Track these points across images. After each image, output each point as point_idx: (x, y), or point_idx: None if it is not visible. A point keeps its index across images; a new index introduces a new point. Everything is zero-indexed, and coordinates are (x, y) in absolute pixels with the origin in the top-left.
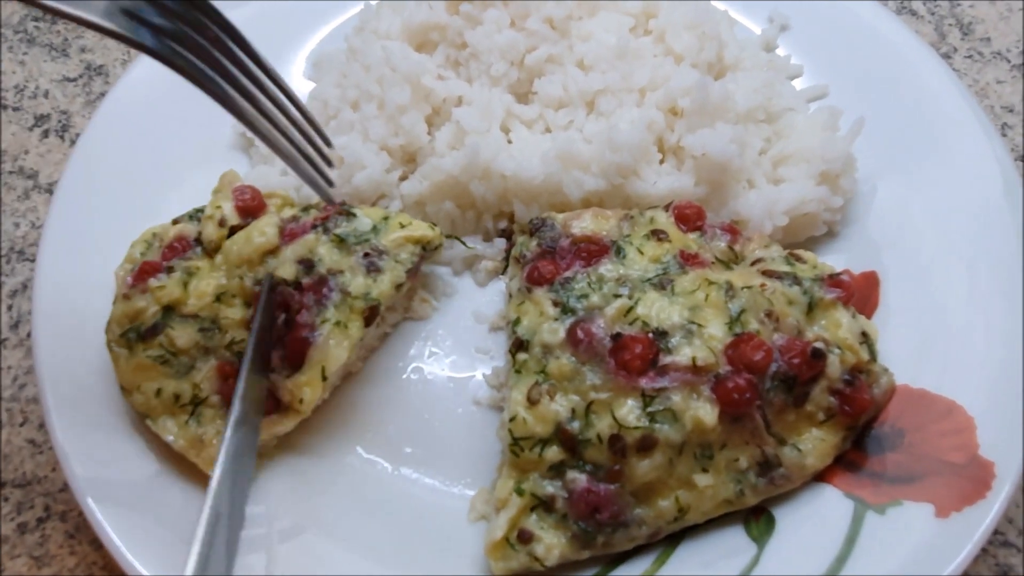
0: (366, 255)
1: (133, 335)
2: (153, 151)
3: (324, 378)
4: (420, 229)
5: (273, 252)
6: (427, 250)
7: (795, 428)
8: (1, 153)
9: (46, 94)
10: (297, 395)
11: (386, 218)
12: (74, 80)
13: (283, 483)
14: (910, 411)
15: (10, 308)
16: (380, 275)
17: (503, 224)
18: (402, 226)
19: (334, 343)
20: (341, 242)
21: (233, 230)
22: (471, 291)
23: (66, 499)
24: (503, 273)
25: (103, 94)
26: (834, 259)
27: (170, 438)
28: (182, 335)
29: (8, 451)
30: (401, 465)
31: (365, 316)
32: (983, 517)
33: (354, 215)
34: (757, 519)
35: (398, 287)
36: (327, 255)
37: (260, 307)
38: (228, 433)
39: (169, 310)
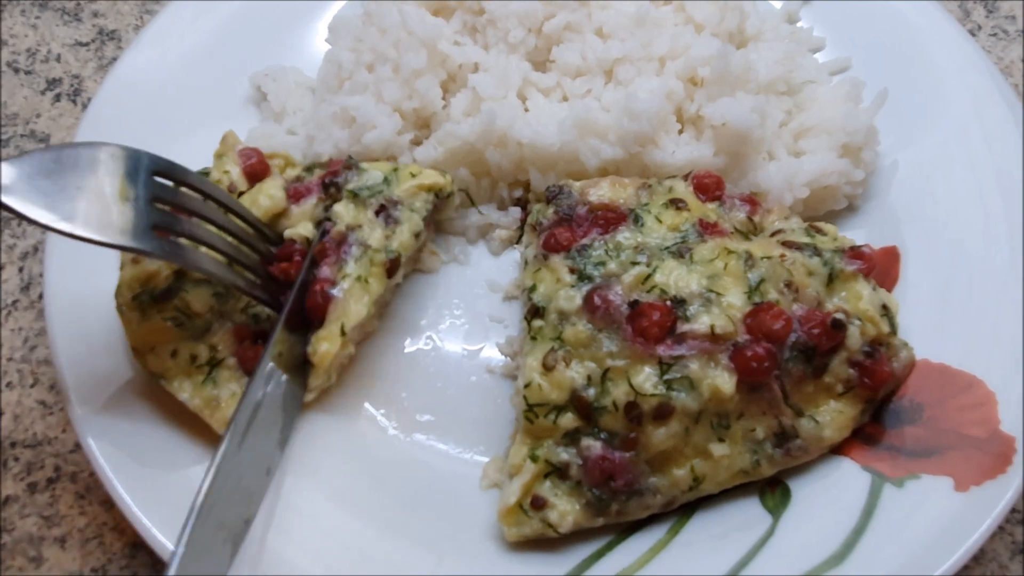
0: (381, 207)
1: (146, 298)
2: (164, 114)
3: (343, 333)
4: (431, 177)
5: (282, 214)
6: (440, 198)
7: (813, 400)
8: (13, 116)
9: (58, 58)
10: (314, 350)
11: (395, 169)
12: (86, 44)
13: (295, 448)
14: (929, 385)
15: (20, 271)
16: (398, 226)
17: (518, 193)
18: (412, 175)
19: (354, 299)
20: (355, 196)
21: (240, 196)
22: (485, 260)
23: (76, 460)
24: (517, 242)
25: (115, 59)
26: (854, 234)
27: (185, 397)
28: (197, 299)
29: (18, 412)
30: (414, 431)
31: (387, 268)
32: (1004, 491)
33: (362, 169)
34: (772, 490)
35: (416, 236)
36: (343, 212)
37: (305, 267)
38: (251, 386)
39: (182, 274)
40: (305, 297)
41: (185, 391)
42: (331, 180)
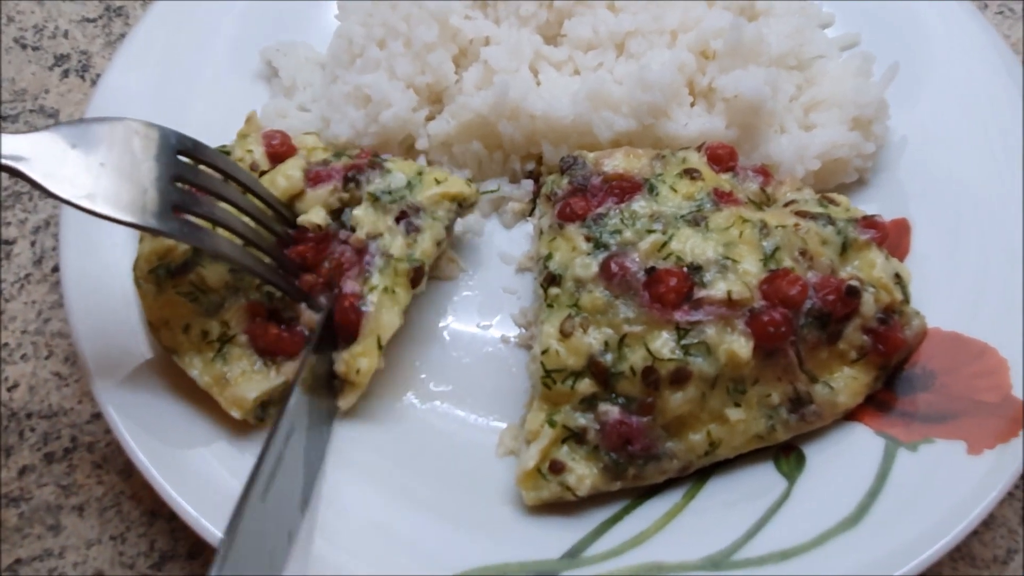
0: (403, 213)
1: (163, 272)
2: (174, 90)
3: (380, 347)
4: (456, 185)
5: (298, 196)
6: (463, 207)
7: (827, 366)
8: (22, 92)
9: (65, 34)
10: (353, 367)
11: (420, 173)
12: (93, 21)
13: None
14: (942, 353)
15: (33, 244)
16: (420, 235)
17: (530, 166)
18: (437, 182)
19: (385, 311)
20: (376, 200)
21: (261, 175)
22: (498, 232)
23: (93, 431)
24: (530, 215)
25: (123, 35)
26: (864, 207)
27: (195, 373)
28: (213, 274)
29: (34, 383)
30: (430, 400)
31: (411, 278)
32: (1016, 454)
33: (387, 169)
34: (787, 456)
35: (438, 244)
36: (364, 217)
37: (327, 307)
38: (287, 407)
39: (199, 248)
40: (331, 317)
41: (196, 367)
42: (354, 175)
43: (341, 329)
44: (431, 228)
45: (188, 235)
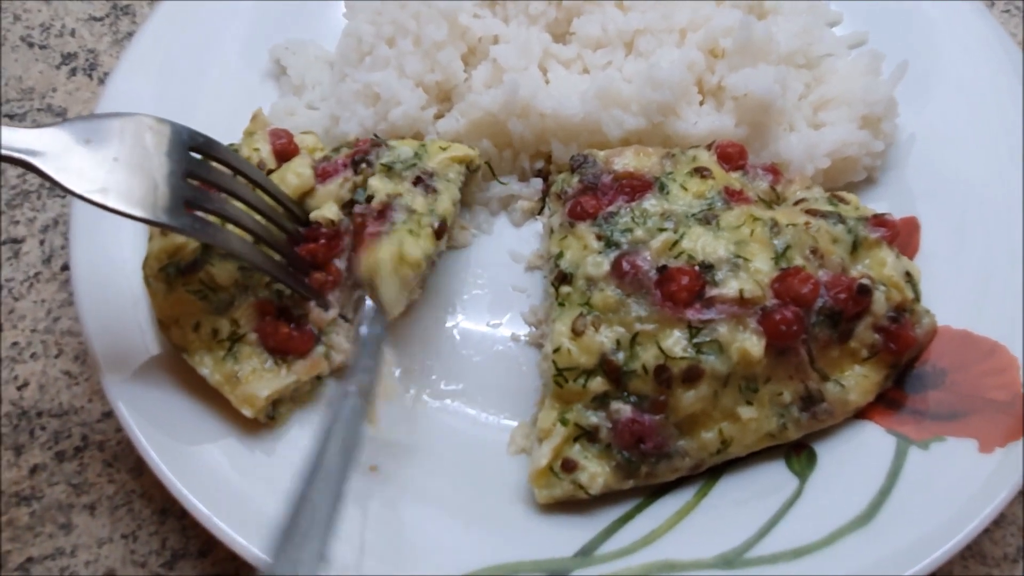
0: (417, 179)
1: (172, 270)
2: (182, 87)
3: (402, 258)
4: (461, 149)
5: (309, 193)
6: (471, 170)
7: (838, 364)
8: (29, 90)
9: (72, 33)
10: (373, 259)
11: (423, 145)
12: (101, 20)
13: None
14: (952, 351)
15: (42, 243)
16: (438, 195)
17: (539, 164)
18: (442, 149)
19: (408, 244)
20: (389, 170)
21: (268, 174)
22: (507, 231)
23: (103, 429)
24: (539, 213)
25: (130, 33)
26: (873, 206)
27: (206, 372)
28: (222, 272)
29: (44, 382)
30: (442, 398)
31: (435, 231)
32: None
33: (391, 147)
34: (798, 454)
35: (455, 204)
36: (380, 185)
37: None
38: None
39: (209, 246)
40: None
41: (206, 366)
42: (361, 157)
43: (358, 251)
44: (447, 189)
45: (199, 231)
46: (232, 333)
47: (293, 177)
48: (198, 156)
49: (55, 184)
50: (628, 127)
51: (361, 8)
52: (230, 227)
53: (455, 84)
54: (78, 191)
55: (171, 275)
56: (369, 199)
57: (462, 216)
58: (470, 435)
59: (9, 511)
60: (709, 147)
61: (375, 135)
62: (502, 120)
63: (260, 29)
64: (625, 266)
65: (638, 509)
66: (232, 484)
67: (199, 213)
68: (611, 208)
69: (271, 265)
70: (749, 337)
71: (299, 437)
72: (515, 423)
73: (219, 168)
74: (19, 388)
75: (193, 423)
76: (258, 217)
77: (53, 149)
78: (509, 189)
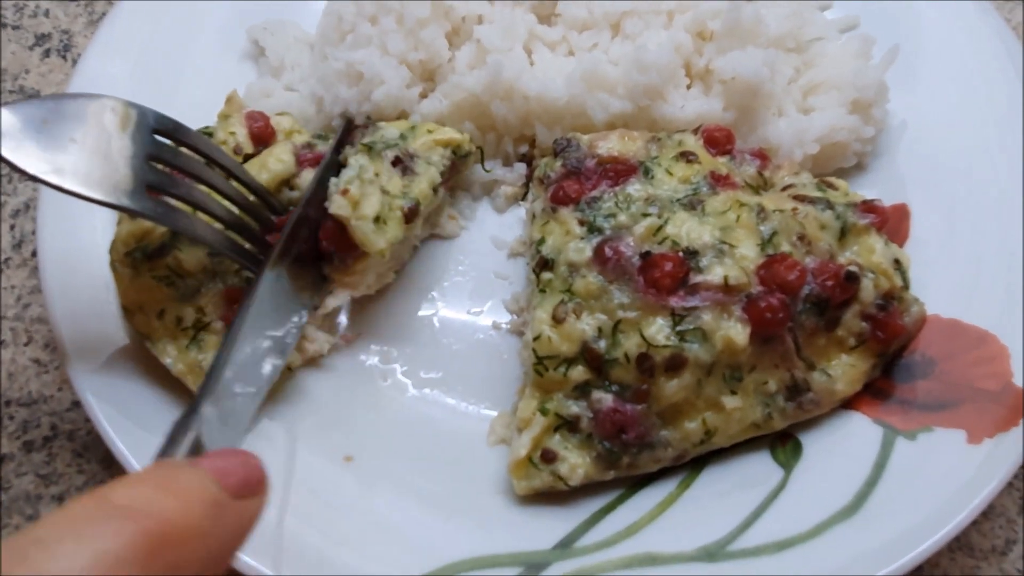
0: (397, 159)
1: (139, 255)
2: (157, 70)
3: (377, 219)
4: (448, 133)
5: (289, 180)
6: (458, 156)
7: (825, 353)
8: (1, 72)
9: (46, 13)
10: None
11: (412, 127)
12: (75, 0)
13: (302, 403)
14: (941, 340)
15: (12, 228)
16: (416, 177)
17: (523, 148)
18: (429, 132)
19: (374, 232)
20: (369, 149)
21: (245, 158)
22: (489, 217)
23: (73, 418)
24: (522, 199)
25: (105, 14)
26: (862, 192)
27: (168, 361)
28: (190, 258)
29: (12, 370)
30: (421, 387)
31: (405, 214)
32: (1016, 443)
33: (378, 127)
34: (784, 445)
35: (435, 189)
36: (353, 161)
37: (331, 146)
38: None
39: (177, 232)
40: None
41: (169, 355)
42: (348, 143)
43: (326, 243)
44: (426, 172)
45: (160, 215)
46: (197, 321)
47: (276, 162)
48: (166, 141)
49: (8, 164)
50: (614, 110)
51: None
52: (201, 215)
53: (439, 64)
54: (31, 171)
55: (138, 260)
56: (338, 171)
57: (451, 206)
58: (449, 425)
59: None
60: (696, 131)
61: (367, 116)
62: (485, 102)
63: (237, 10)
64: (608, 252)
65: (619, 500)
66: None
67: (164, 198)
68: (594, 193)
69: (238, 251)
70: (734, 325)
71: (268, 428)
72: (495, 413)
73: (188, 154)
74: None
75: (164, 414)
76: (227, 204)
77: (8, 129)
78: (492, 174)
